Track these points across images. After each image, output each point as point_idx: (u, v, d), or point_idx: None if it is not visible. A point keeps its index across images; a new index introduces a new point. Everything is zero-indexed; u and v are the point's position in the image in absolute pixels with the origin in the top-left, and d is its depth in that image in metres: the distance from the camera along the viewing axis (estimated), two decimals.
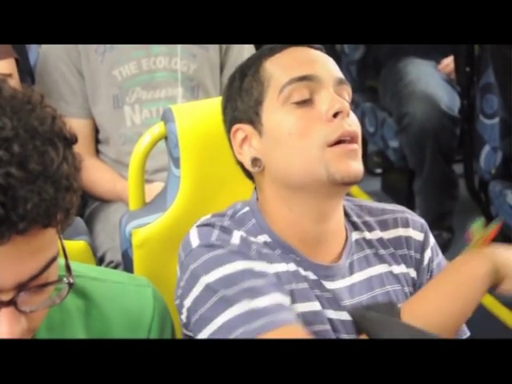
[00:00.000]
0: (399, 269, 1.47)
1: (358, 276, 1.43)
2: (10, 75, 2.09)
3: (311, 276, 1.39)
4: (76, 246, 1.73)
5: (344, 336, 1.37)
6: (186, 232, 1.40)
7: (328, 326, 1.36)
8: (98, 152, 2.38)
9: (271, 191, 1.42)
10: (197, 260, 1.33)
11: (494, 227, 1.52)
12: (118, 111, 2.30)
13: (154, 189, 1.84)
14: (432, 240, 1.52)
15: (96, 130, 2.37)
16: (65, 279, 1.03)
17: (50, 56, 2.31)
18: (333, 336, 1.36)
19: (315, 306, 1.37)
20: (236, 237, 1.36)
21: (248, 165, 1.42)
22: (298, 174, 1.37)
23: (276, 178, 1.40)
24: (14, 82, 1.01)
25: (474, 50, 3.30)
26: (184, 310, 1.35)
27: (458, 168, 3.56)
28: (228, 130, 1.46)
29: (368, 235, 1.47)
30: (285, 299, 1.31)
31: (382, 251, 1.46)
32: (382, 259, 1.46)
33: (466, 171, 3.47)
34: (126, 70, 2.30)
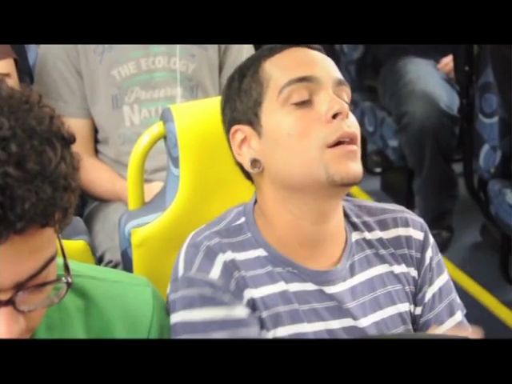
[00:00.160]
0: (400, 268, 1.47)
1: (360, 277, 1.43)
2: (7, 75, 2.09)
3: (310, 287, 1.38)
4: (75, 245, 1.73)
5: None
6: (185, 231, 1.40)
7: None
8: (97, 152, 2.38)
9: (270, 192, 1.41)
10: (177, 292, 1.34)
11: None
12: (117, 111, 2.30)
13: (153, 188, 1.84)
14: (432, 239, 1.51)
15: (95, 130, 2.37)
16: (63, 279, 1.03)
17: (49, 56, 2.31)
18: None
19: (302, 327, 1.35)
20: (218, 266, 1.34)
21: (247, 166, 1.42)
22: (298, 175, 1.36)
23: (275, 179, 1.40)
24: (13, 82, 1.02)
25: (473, 49, 3.29)
26: None
27: (458, 167, 3.56)
28: (227, 131, 1.45)
29: (368, 235, 1.47)
30: None
31: (382, 251, 1.46)
32: (382, 259, 1.46)
33: (466, 170, 3.48)
34: (125, 70, 2.30)
